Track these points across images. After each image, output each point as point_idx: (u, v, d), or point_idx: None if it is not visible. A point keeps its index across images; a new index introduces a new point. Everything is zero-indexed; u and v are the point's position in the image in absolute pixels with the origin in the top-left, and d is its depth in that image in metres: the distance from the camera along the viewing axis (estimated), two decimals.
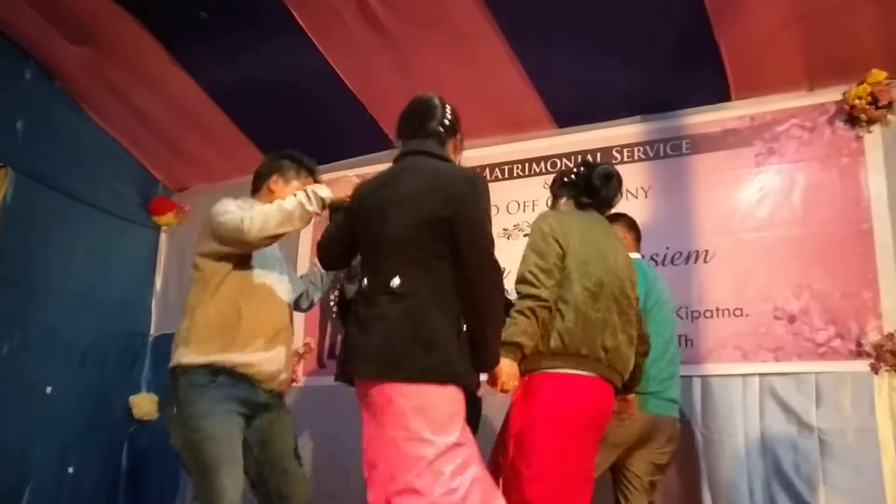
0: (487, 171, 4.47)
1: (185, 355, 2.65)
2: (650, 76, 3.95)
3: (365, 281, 2.29)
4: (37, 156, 4.37)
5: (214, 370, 2.61)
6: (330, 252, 2.62)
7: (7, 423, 4.07)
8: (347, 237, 2.48)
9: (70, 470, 4.49)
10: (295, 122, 4.63)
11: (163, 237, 5.36)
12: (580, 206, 2.87)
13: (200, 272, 2.73)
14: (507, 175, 4.42)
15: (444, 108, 2.50)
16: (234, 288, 2.70)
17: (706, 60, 3.77)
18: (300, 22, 3.98)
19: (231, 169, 5.07)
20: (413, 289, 2.20)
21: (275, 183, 2.96)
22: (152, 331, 5.21)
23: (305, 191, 2.63)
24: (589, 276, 2.64)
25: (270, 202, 2.71)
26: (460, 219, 2.23)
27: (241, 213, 2.64)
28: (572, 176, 2.90)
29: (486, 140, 4.38)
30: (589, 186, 2.83)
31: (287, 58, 4.20)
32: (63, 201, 4.54)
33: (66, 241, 4.55)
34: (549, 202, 3.13)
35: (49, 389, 4.35)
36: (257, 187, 3.01)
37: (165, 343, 5.09)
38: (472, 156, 4.50)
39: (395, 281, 2.20)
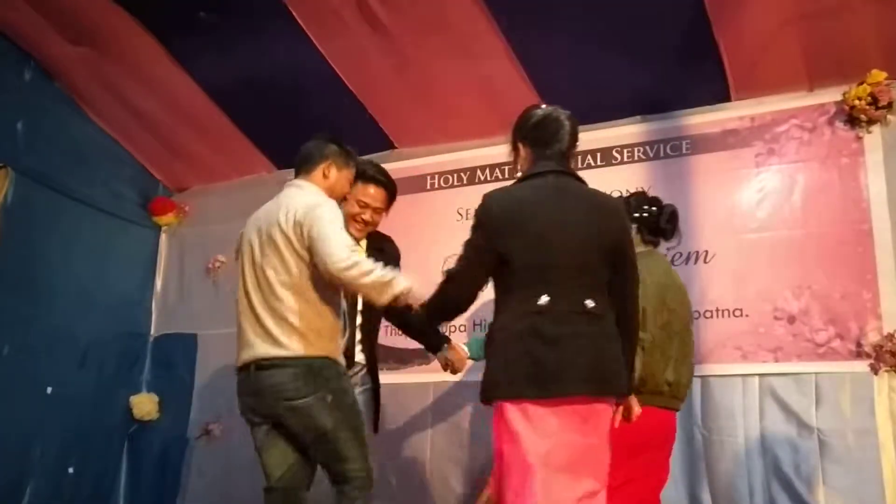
0: (487, 171, 4.46)
1: (327, 349, 2.79)
2: (650, 76, 3.95)
3: (545, 299, 2.23)
4: (37, 156, 4.37)
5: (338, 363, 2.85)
6: (469, 286, 2.40)
7: (7, 423, 4.08)
8: (490, 263, 2.33)
9: (70, 470, 4.49)
10: (295, 121, 4.63)
11: (163, 237, 5.36)
12: (644, 241, 3.04)
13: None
14: (507, 176, 4.40)
15: (575, 127, 2.51)
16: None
17: (706, 61, 3.77)
18: (300, 21, 3.98)
19: (231, 169, 5.08)
20: (604, 310, 2.28)
21: (328, 169, 2.95)
22: (153, 331, 5.21)
23: (409, 290, 2.66)
24: (662, 314, 2.82)
25: (325, 189, 2.92)
26: (624, 247, 2.35)
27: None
28: (644, 214, 3.05)
29: (485, 140, 4.38)
30: (656, 226, 3.05)
31: (287, 57, 4.20)
32: (63, 201, 4.54)
33: (67, 241, 4.55)
34: None
35: (49, 390, 4.36)
36: (308, 170, 2.96)
37: (166, 343, 5.17)
38: (472, 156, 4.53)
39: (590, 302, 2.24)
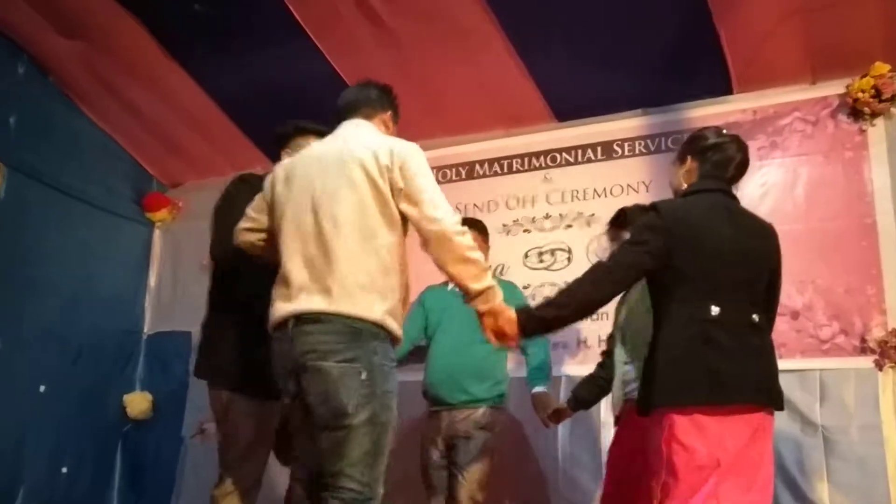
0: (486, 165, 4.42)
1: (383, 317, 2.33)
2: (651, 69, 3.92)
3: (716, 310, 2.22)
4: (30, 151, 4.32)
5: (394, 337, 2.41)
6: (622, 285, 2.41)
7: (0, 422, 4.02)
8: (652, 269, 2.31)
9: (64, 470, 4.44)
10: (290, 116, 4.57)
11: (157, 233, 5.31)
12: None
13: None
14: (506, 170, 4.38)
15: (747, 158, 2.55)
16: None
17: (708, 53, 3.74)
18: (297, 16, 3.93)
19: (225, 164, 5.02)
20: (765, 325, 2.36)
21: (389, 121, 2.68)
22: (146, 329, 5.16)
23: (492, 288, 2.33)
24: None
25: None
26: (780, 268, 2.47)
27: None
28: None
29: (485, 134, 4.35)
30: None
31: (282, 52, 4.15)
32: (56, 197, 4.48)
33: (60, 237, 4.49)
34: None
35: (42, 388, 4.30)
36: (368, 114, 2.60)
37: (160, 341, 5.12)
38: (471, 150, 4.49)
39: (756, 317, 2.28)
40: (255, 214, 2.57)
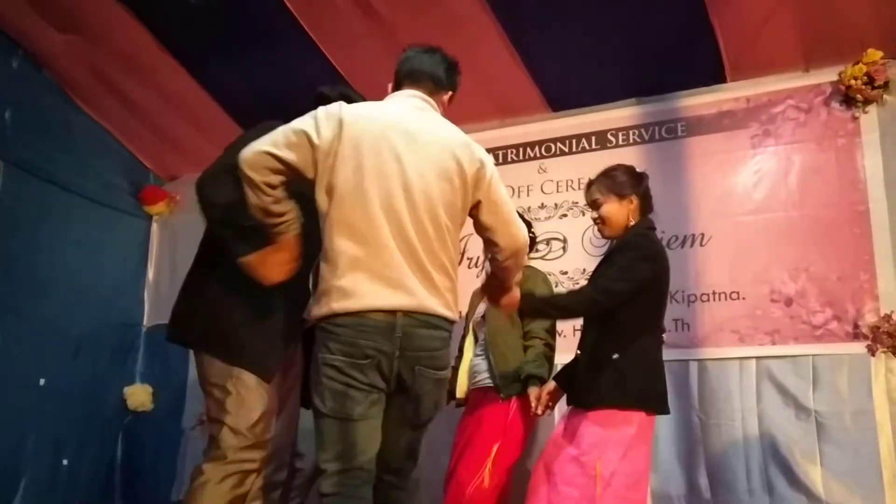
0: None
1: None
2: (645, 58, 3.93)
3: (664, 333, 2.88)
4: (26, 146, 4.32)
5: None
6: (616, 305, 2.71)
7: (1, 415, 4.04)
8: (639, 294, 2.69)
9: (65, 462, 4.46)
10: (284, 108, 4.58)
11: (154, 227, 5.32)
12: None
13: None
14: (500, 160, 4.38)
15: None
16: None
17: (701, 42, 3.74)
18: (291, 8, 3.93)
19: None
20: None
21: (449, 101, 2.52)
22: (145, 321, 5.18)
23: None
24: None
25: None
26: None
27: None
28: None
29: (479, 125, 4.34)
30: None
31: (277, 44, 4.15)
32: (53, 191, 4.49)
33: (57, 231, 4.50)
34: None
35: (42, 381, 4.32)
36: (433, 91, 2.43)
37: (159, 334, 5.10)
38: None
39: None
40: (290, 151, 2.17)
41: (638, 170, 2.91)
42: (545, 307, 2.94)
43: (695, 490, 3.61)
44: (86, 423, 4.62)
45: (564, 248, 4.15)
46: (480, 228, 2.36)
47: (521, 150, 4.38)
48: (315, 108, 2.36)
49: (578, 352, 2.80)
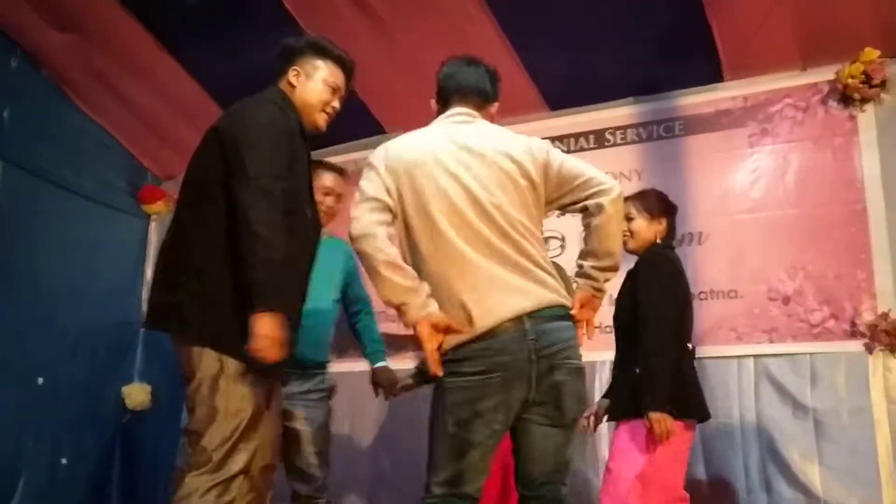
0: None
1: None
2: (642, 58, 3.93)
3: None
4: (24, 145, 4.30)
5: None
6: None
7: None
8: None
9: (63, 461, 4.45)
10: None
11: (152, 226, 5.30)
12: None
13: None
14: None
15: None
16: None
17: (698, 41, 3.75)
18: (288, 7, 3.94)
19: None
20: None
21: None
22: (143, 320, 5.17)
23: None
24: None
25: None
26: None
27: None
28: None
29: None
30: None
31: (275, 43, 4.15)
32: (51, 191, 4.48)
33: (55, 230, 4.49)
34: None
35: (40, 381, 4.31)
36: (481, 105, 2.44)
37: (157, 333, 5.08)
38: None
39: None
40: (387, 199, 2.17)
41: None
42: (657, 390, 2.71)
43: (693, 488, 3.60)
44: (84, 422, 4.60)
45: (563, 247, 4.16)
46: (573, 201, 2.28)
47: None
48: (282, 61, 2.51)
49: (613, 370, 3.01)
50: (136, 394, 4.93)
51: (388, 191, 2.17)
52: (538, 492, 2.16)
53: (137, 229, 5.23)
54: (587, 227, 2.26)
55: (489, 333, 2.06)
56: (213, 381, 2.27)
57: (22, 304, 4.24)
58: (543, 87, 4.23)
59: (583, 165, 2.32)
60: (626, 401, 2.78)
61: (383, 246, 2.10)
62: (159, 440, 4.86)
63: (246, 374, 2.28)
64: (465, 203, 2.14)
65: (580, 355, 2.19)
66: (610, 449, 2.93)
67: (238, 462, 2.26)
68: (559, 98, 4.30)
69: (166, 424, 4.85)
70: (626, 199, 2.91)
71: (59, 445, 4.44)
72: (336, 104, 2.58)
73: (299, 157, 2.41)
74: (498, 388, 2.06)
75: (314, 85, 2.53)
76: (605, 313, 3.32)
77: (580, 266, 2.30)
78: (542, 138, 4.22)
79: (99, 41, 4.31)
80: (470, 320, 2.06)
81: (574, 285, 2.34)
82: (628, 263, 3.15)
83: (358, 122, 4.49)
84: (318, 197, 2.93)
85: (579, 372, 2.17)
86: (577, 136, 4.25)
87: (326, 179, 3.26)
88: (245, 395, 2.28)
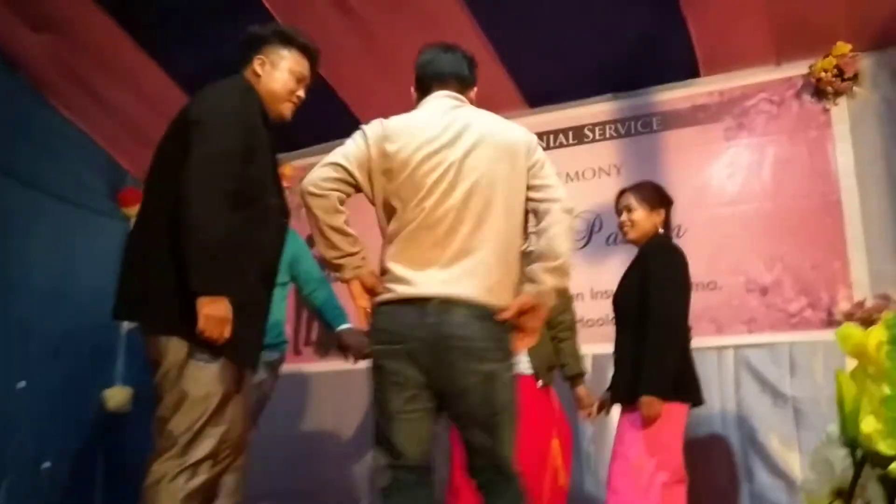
0: None
1: None
2: (619, 54, 3.97)
3: None
4: (1, 147, 4.27)
5: None
6: None
7: None
8: None
9: (46, 464, 4.43)
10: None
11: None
12: None
13: None
14: None
15: None
16: None
17: (674, 37, 3.80)
18: (268, 7, 3.94)
19: None
20: None
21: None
22: (125, 323, 5.14)
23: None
24: None
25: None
26: None
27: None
28: None
29: None
30: None
31: None
32: (30, 193, 4.44)
33: (35, 233, 4.46)
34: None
35: (22, 384, 4.28)
36: (463, 90, 2.46)
37: (139, 336, 5.04)
38: None
39: None
40: (354, 168, 2.23)
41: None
42: (662, 375, 2.78)
43: None
44: (66, 425, 4.58)
45: None
46: (529, 198, 2.31)
47: None
48: (247, 49, 2.52)
49: (616, 355, 3.02)
50: (118, 396, 4.90)
51: (361, 164, 2.22)
52: (480, 477, 2.21)
53: (117, 232, 5.18)
54: (537, 230, 2.28)
55: (396, 302, 2.16)
56: (180, 368, 2.29)
57: (1, 307, 4.21)
58: (522, 84, 4.26)
59: (551, 170, 2.34)
60: (633, 385, 2.80)
61: (333, 210, 2.19)
62: (142, 442, 4.80)
63: (213, 360, 2.30)
64: (447, 182, 2.19)
65: (499, 357, 2.17)
66: (618, 433, 2.94)
67: (205, 447, 2.29)
68: (538, 95, 4.33)
69: (148, 426, 4.82)
70: (625, 190, 3.09)
71: (41, 449, 4.40)
72: (301, 93, 2.60)
73: (260, 147, 2.42)
74: (402, 358, 2.13)
75: (279, 74, 2.54)
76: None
77: (528, 270, 2.26)
78: None
79: (76, 42, 4.29)
80: (393, 283, 2.18)
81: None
82: (626, 254, 3.19)
83: (337, 120, 4.49)
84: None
85: (489, 375, 2.14)
86: (556, 132, 4.29)
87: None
88: (212, 380, 2.30)
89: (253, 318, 2.40)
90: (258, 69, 2.53)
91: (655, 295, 2.82)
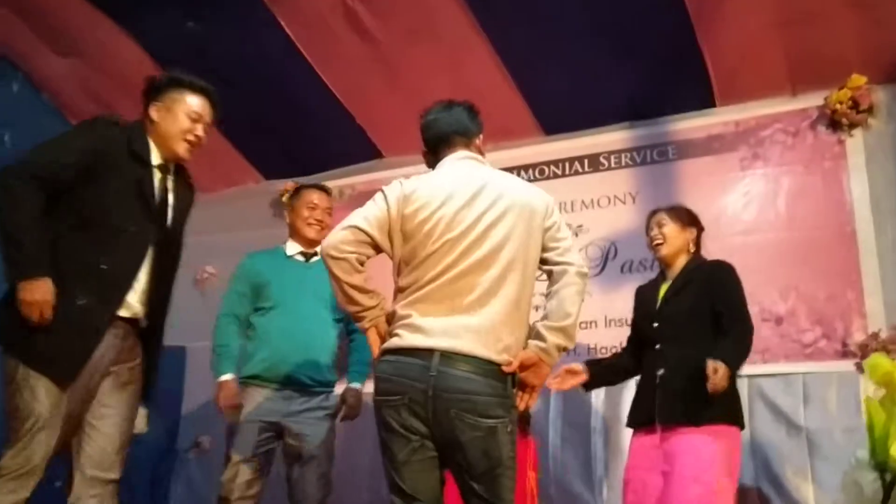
0: None
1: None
2: (636, 83, 4.01)
3: None
4: None
5: None
6: None
7: None
8: None
9: (57, 484, 4.42)
10: (282, 131, 4.65)
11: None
12: None
13: None
14: None
15: None
16: None
17: (691, 67, 3.83)
18: (288, 31, 4.01)
19: (217, 180, 5.05)
20: None
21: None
22: None
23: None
24: None
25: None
26: None
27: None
28: None
29: None
30: None
31: (273, 66, 4.22)
32: None
33: None
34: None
35: None
36: (467, 144, 2.49)
37: None
38: None
39: None
40: (374, 230, 2.28)
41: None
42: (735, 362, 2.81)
43: None
44: None
45: None
46: (545, 260, 2.36)
47: (515, 172, 4.33)
48: (144, 98, 2.62)
49: (661, 371, 2.91)
50: None
51: (381, 226, 2.28)
52: None
53: None
54: (550, 291, 2.32)
55: (401, 351, 2.21)
56: (9, 382, 2.39)
57: None
58: (539, 112, 4.30)
59: (567, 233, 2.41)
60: (715, 404, 2.72)
61: (352, 270, 2.25)
62: (156, 463, 4.85)
63: (34, 377, 2.38)
64: (465, 243, 2.23)
65: (500, 413, 2.17)
66: (680, 455, 2.78)
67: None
68: (555, 123, 4.36)
69: (162, 447, 4.85)
70: (658, 210, 3.16)
71: (53, 469, 4.37)
72: (199, 132, 2.66)
73: (113, 174, 2.49)
74: (404, 409, 2.17)
75: (173, 117, 2.62)
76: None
77: (534, 327, 2.31)
78: (538, 162, 4.42)
79: (100, 66, 4.39)
80: (400, 329, 2.24)
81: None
82: (642, 282, 3.19)
83: (356, 146, 4.56)
84: (305, 212, 3.46)
85: (490, 430, 2.15)
86: (572, 160, 4.31)
87: (312, 196, 3.54)
88: (30, 397, 2.39)
89: (73, 335, 2.42)
90: (153, 115, 2.61)
91: (737, 301, 2.93)
